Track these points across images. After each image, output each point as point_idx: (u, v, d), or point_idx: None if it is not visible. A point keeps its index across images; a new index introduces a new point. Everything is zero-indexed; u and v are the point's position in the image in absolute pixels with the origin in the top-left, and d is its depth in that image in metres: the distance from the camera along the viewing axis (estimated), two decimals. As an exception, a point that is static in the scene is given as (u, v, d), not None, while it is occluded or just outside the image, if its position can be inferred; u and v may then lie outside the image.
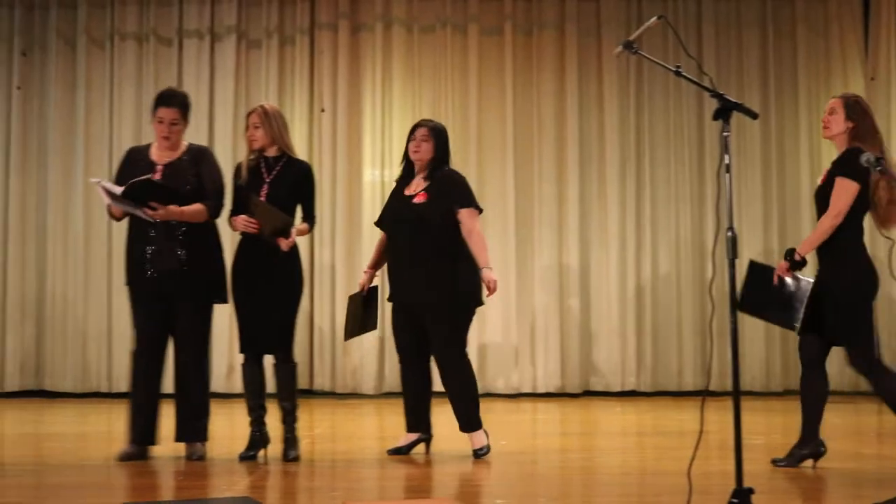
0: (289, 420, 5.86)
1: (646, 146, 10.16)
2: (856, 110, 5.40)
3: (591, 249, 10.06)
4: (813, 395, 5.45)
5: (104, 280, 9.97)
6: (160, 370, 5.89)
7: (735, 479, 3.85)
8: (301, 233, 5.85)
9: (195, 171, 5.83)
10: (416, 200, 5.88)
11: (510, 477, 5.37)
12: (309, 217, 5.95)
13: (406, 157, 6.01)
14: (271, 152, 5.90)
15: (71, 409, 8.93)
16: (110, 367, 10.01)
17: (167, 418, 5.89)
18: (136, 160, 5.91)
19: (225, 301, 5.98)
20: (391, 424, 8.20)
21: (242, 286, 5.85)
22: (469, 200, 5.96)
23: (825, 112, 5.51)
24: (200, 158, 5.91)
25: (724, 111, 4.03)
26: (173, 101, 5.88)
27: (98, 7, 10.36)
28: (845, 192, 5.26)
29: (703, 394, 4.55)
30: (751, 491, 3.84)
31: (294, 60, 10.32)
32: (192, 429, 5.82)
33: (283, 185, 5.83)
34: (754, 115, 4.20)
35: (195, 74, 10.13)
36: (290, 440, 5.84)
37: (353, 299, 6.16)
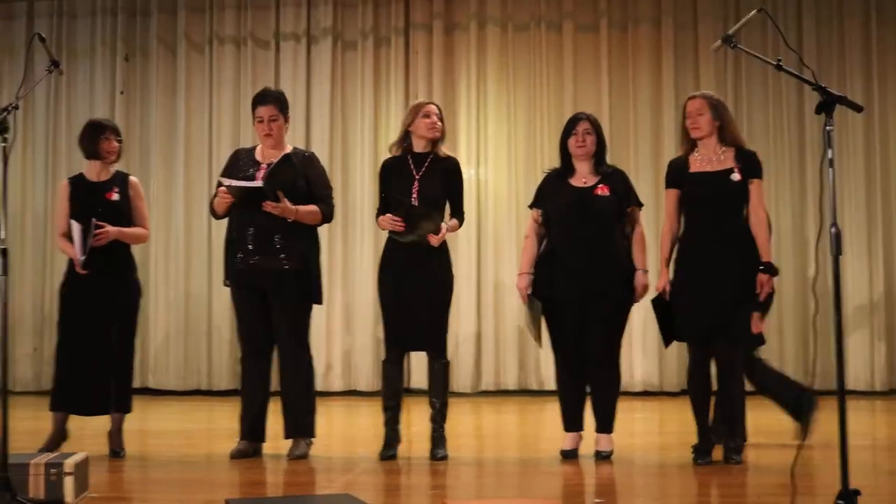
0: (438, 418, 5.82)
1: (739, 131, 9.97)
2: None
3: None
4: None
5: (205, 279, 10.15)
6: (267, 368, 5.95)
7: (840, 481, 3.76)
8: (451, 229, 5.84)
9: (302, 175, 5.86)
10: (598, 193, 5.77)
11: (609, 476, 5.33)
12: (458, 213, 5.91)
13: (563, 150, 5.93)
14: (421, 148, 5.88)
15: (173, 407, 9.11)
16: (210, 366, 10.19)
17: (277, 415, 5.95)
18: (241, 160, 5.97)
19: (320, 302, 6.00)
20: (489, 423, 8.21)
21: (392, 283, 5.80)
22: (638, 199, 5.93)
23: None
24: (308, 163, 5.94)
25: (827, 105, 3.94)
26: (269, 99, 5.95)
27: (197, 12, 10.55)
28: None
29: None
30: (857, 493, 3.73)
31: (389, 61, 10.38)
32: (298, 426, 5.85)
33: (434, 180, 5.81)
34: (859, 109, 4.10)
35: (292, 77, 10.25)
36: (438, 438, 5.79)
37: (533, 303, 5.90)
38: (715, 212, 5.53)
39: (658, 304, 5.65)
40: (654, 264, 5.93)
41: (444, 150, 5.94)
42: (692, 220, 5.62)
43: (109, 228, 5.85)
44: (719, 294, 5.45)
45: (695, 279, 5.51)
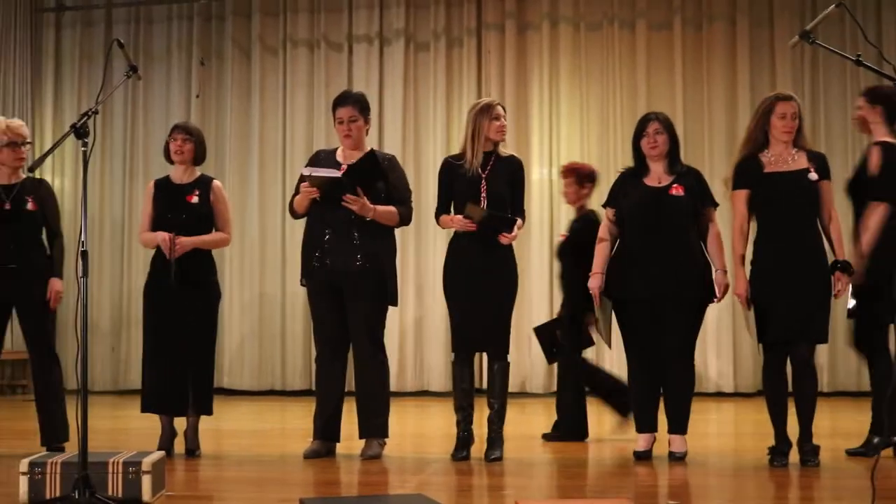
0: (496, 419, 5.80)
1: (822, 137, 9.84)
2: None
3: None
4: None
5: (279, 280, 10.25)
6: (343, 368, 5.98)
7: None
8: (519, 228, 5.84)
9: (383, 176, 5.87)
10: (673, 192, 5.73)
11: (683, 478, 5.27)
12: (520, 211, 5.88)
13: (636, 150, 5.90)
14: (487, 147, 5.85)
15: (247, 407, 9.20)
16: (284, 366, 10.28)
17: (350, 415, 5.98)
18: (321, 160, 6.00)
19: (395, 303, 6.01)
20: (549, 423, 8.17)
21: (458, 285, 5.80)
22: (713, 199, 5.88)
23: None
24: (388, 166, 5.92)
25: (909, 100, 3.86)
26: (349, 100, 5.98)
27: (271, 16, 10.66)
28: None
29: (888, 394, 4.38)
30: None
31: (461, 62, 10.40)
32: (372, 426, 5.86)
33: (500, 179, 5.80)
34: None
35: (365, 78, 10.31)
36: (495, 440, 5.77)
37: (605, 303, 5.86)
38: (794, 211, 5.46)
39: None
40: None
41: (505, 148, 5.93)
42: (768, 219, 5.54)
43: (184, 240, 5.91)
44: (801, 295, 5.38)
45: (776, 280, 5.44)
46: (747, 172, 5.58)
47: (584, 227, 6.48)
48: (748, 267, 5.61)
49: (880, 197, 5.77)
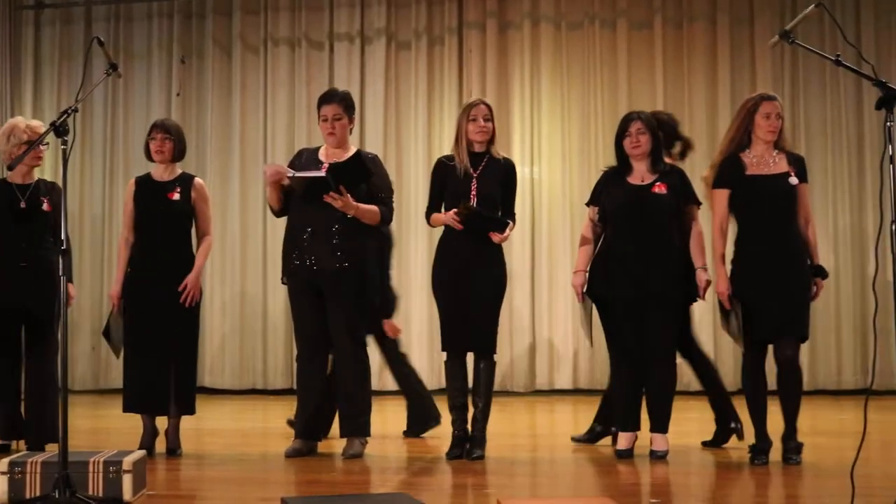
0: (480, 418, 5.79)
1: (801, 137, 9.89)
2: None
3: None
4: None
5: (260, 279, 10.22)
6: (323, 367, 5.96)
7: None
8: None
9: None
10: (655, 191, 5.75)
11: (665, 476, 5.29)
12: (509, 214, 5.88)
13: (619, 149, 5.90)
14: (478, 148, 5.86)
15: (229, 406, 9.18)
16: (266, 365, 10.26)
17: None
18: (304, 159, 5.99)
19: (377, 300, 6.01)
20: (543, 422, 8.19)
21: (446, 283, 5.81)
22: (696, 197, 5.89)
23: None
24: (370, 165, 5.90)
25: (888, 100, 3.87)
26: (334, 98, 5.97)
27: (252, 14, 10.63)
28: None
29: (866, 393, 4.41)
30: (919, 493, 3.68)
31: (443, 60, 10.39)
32: (354, 425, 5.86)
33: (491, 180, 5.80)
34: (921, 103, 4.03)
35: (346, 77, 10.28)
36: (478, 439, 5.77)
37: (587, 301, 5.86)
38: (774, 214, 5.50)
39: None
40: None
41: (499, 150, 5.92)
42: (750, 221, 5.58)
43: (190, 282, 5.92)
44: (784, 294, 5.42)
45: (759, 280, 5.47)
46: (729, 172, 5.61)
47: None
48: (729, 266, 5.64)
49: None
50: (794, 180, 5.53)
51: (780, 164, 5.56)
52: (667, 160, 6.08)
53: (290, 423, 6.56)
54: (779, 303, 5.41)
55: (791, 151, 5.68)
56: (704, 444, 6.24)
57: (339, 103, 5.94)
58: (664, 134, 6.18)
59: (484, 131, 5.82)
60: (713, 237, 5.67)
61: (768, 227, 5.50)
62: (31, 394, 5.97)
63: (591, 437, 6.36)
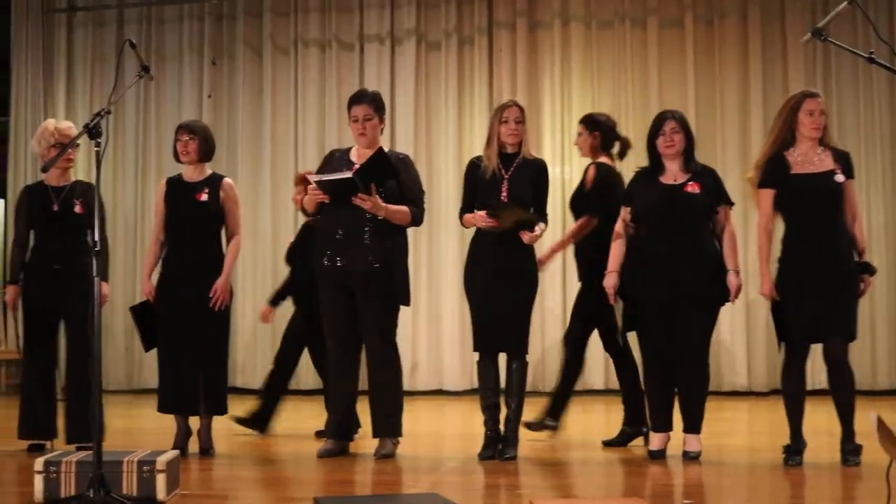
0: (512, 419, 5.79)
1: (834, 134, 9.72)
2: None
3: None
4: None
5: (291, 280, 10.22)
6: (355, 367, 5.96)
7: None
8: (542, 230, 5.81)
9: (395, 175, 5.86)
10: (688, 190, 5.71)
11: (697, 477, 5.26)
12: (541, 215, 5.85)
13: (651, 148, 5.88)
14: (510, 149, 5.85)
15: (262, 406, 9.17)
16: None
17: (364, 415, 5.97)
18: (335, 160, 5.99)
19: (407, 303, 6.00)
20: (575, 422, 8.16)
21: (478, 284, 5.80)
22: (728, 197, 5.86)
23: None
24: (401, 165, 5.91)
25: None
26: (364, 98, 5.97)
27: (282, 15, 10.66)
28: None
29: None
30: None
31: (473, 60, 10.39)
32: (386, 425, 5.86)
33: (523, 181, 5.78)
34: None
35: (376, 78, 10.30)
36: (510, 439, 5.76)
37: (620, 302, 5.85)
38: (821, 213, 5.45)
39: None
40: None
41: (531, 150, 5.91)
42: (795, 220, 5.52)
43: (220, 286, 5.93)
44: (830, 293, 5.37)
45: (804, 279, 5.41)
46: (774, 172, 5.55)
47: (312, 233, 6.38)
48: (775, 266, 5.58)
49: (591, 212, 6.31)
50: (839, 177, 5.47)
51: (825, 162, 5.51)
52: (605, 160, 6.29)
53: (318, 434, 6.63)
54: (824, 302, 5.36)
55: (836, 148, 5.61)
56: (605, 443, 6.36)
57: (369, 103, 5.94)
58: (602, 135, 6.42)
59: (515, 133, 5.81)
60: (759, 237, 5.63)
61: (814, 225, 5.45)
62: (70, 394, 6.01)
63: (622, 439, 6.34)
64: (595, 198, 6.30)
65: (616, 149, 6.51)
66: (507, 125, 5.81)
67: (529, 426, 6.36)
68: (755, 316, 9.72)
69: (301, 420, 8.17)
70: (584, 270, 6.50)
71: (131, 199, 10.72)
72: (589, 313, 6.37)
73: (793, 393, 5.52)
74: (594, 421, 8.33)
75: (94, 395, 4.38)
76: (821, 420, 5.90)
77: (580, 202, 6.47)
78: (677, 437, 5.77)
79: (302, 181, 6.97)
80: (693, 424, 5.73)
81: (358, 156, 5.94)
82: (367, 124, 5.90)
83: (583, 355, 6.62)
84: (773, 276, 5.52)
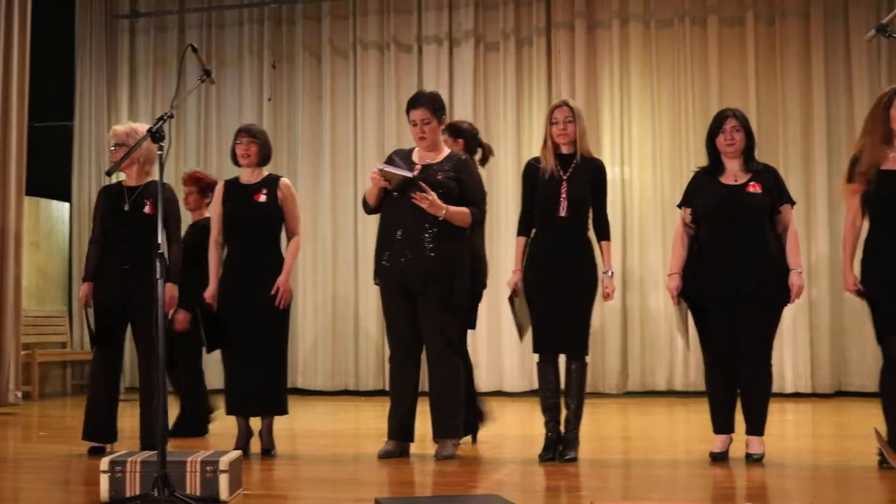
0: (572, 420, 5.77)
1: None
2: None
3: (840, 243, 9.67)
4: None
5: (351, 281, 10.30)
6: (416, 369, 5.96)
7: None
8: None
9: (455, 178, 5.89)
10: (749, 190, 5.65)
11: (761, 480, 5.21)
12: (601, 216, 5.82)
13: (711, 147, 5.83)
14: (567, 149, 5.83)
15: (321, 407, 9.25)
16: (357, 366, 10.33)
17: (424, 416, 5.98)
18: (397, 160, 6.00)
19: (463, 306, 5.99)
20: (636, 424, 8.12)
21: (538, 285, 5.77)
22: (790, 197, 5.80)
23: None
24: (462, 167, 5.93)
25: None
26: (421, 102, 5.97)
27: (341, 18, 10.73)
28: None
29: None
30: None
31: (531, 61, 10.38)
32: (446, 427, 5.86)
33: (581, 182, 5.76)
34: None
35: (435, 79, 10.32)
36: (570, 440, 5.73)
37: (682, 304, 5.78)
38: None
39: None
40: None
41: (589, 149, 5.87)
42: (880, 217, 5.39)
43: (282, 284, 5.97)
44: None
45: (887, 277, 5.31)
46: (862, 168, 5.45)
47: (199, 232, 6.76)
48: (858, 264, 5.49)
49: None
50: None
51: None
52: None
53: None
54: None
55: None
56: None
57: (426, 106, 5.93)
58: (466, 142, 6.46)
59: (565, 133, 5.78)
60: (844, 232, 5.56)
61: None
62: (143, 396, 6.07)
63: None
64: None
65: (479, 155, 6.61)
66: (557, 125, 5.79)
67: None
68: (818, 316, 9.61)
69: (361, 420, 8.22)
70: None
71: (193, 201, 10.83)
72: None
73: (888, 394, 5.35)
74: (656, 423, 8.28)
75: (160, 396, 4.42)
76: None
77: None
78: (739, 440, 5.71)
79: (191, 180, 7.27)
80: (756, 426, 5.67)
81: (419, 157, 5.95)
82: (425, 128, 5.91)
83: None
84: (856, 273, 5.43)
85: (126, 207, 6.10)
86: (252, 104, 10.85)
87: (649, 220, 9.99)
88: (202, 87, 9.32)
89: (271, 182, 6.14)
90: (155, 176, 6.24)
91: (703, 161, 5.89)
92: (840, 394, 9.51)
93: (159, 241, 4.51)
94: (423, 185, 5.71)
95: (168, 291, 5.92)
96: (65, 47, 10.95)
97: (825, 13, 9.94)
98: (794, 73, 9.94)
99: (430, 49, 10.57)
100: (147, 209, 6.09)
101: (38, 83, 9.26)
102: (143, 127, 6.25)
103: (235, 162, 6.16)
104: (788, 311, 6.10)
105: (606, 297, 5.76)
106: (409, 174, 5.72)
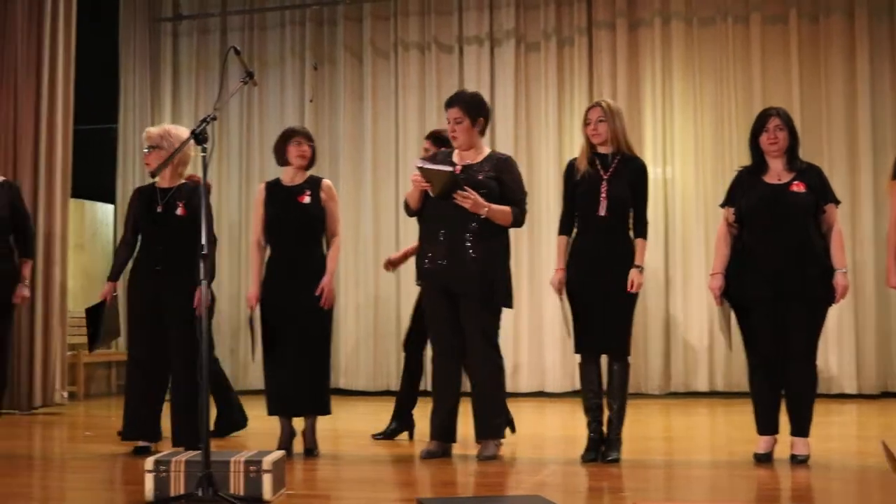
0: (615, 421, 5.75)
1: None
2: None
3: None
4: None
5: (393, 281, 10.30)
6: (458, 369, 5.97)
7: None
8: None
9: (496, 177, 5.89)
10: (793, 189, 5.61)
11: (806, 482, 5.16)
12: (641, 217, 5.77)
13: (754, 146, 5.79)
14: (605, 149, 5.81)
15: (363, 407, 9.28)
16: (399, 367, 10.31)
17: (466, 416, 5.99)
18: (438, 161, 6.01)
19: (510, 305, 5.99)
20: (678, 425, 8.08)
21: (579, 285, 5.75)
22: (835, 196, 5.76)
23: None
24: (503, 167, 5.93)
25: None
26: (454, 101, 5.98)
27: (382, 19, 10.75)
28: None
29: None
30: None
31: (573, 61, 10.35)
32: (489, 427, 5.86)
33: (621, 181, 5.74)
34: None
35: (476, 80, 10.31)
36: (613, 441, 5.72)
37: (725, 304, 5.74)
38: None
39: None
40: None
41: (628, 147, 5.84)
42: None
43: (326, 286, 6.00)
44: None
45: None
46: None
47: None
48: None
49: None
50: None
51: None
52: None
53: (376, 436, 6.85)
54: None
55: None
56: (374, 436, 6.77)
57: (459, 105, 5.94)
58: (442, 146, 6.47)
59: (596, 133, 5.77)
60: (888, 230, 5.53)
61: None
62: (174, 397, 6.10)
63: (388, 433, 6.78)
64: None
65: None
66: (589, 126, 5.80)
67: (387, 434, 6.80)
68: (864, 316, 9.51)
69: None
70: None
71: (235, 202, 10.91)
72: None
73: None
74: (698, 423, 8.23)
75: (202, 396, 4.45)
76: None
77: None
78: (784, 441, 5.67)
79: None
80: (801, 428, 5.62)
81: (460, 158, 5.96)
82: (457, 127, 5.92)
83: (420, 353, 6.90)
84: None
85: (159, 209, 6.13)
86: (294, 105, 10.90)
87: (692, 220, 9.93)
88: (245, 89, 9.37)
89: (314, 183, 6.17)
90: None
91: (745, 160, 5.85)
92: (886, 395, 9.41)
93: (203, 242, 4.53)
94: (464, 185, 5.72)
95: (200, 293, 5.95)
96: (109, 50, 11.04)
97: (870, 11, 9.83)
98: (839, 71, 9.84)
99: (471, 49, 10.56)
100: (180, 210, 6.10)
101: (82, 86, 9.35)
102: (176, 129, 6.30)
103: (282, 162, 6.18)
104: (833, 312, 6.04)
105: (630, 288, 5.70)
106: (449, 168, 5.73)
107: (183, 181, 6.22)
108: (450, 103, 5.99)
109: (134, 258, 6.25)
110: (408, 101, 10.63)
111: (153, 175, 5.96)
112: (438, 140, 6.60)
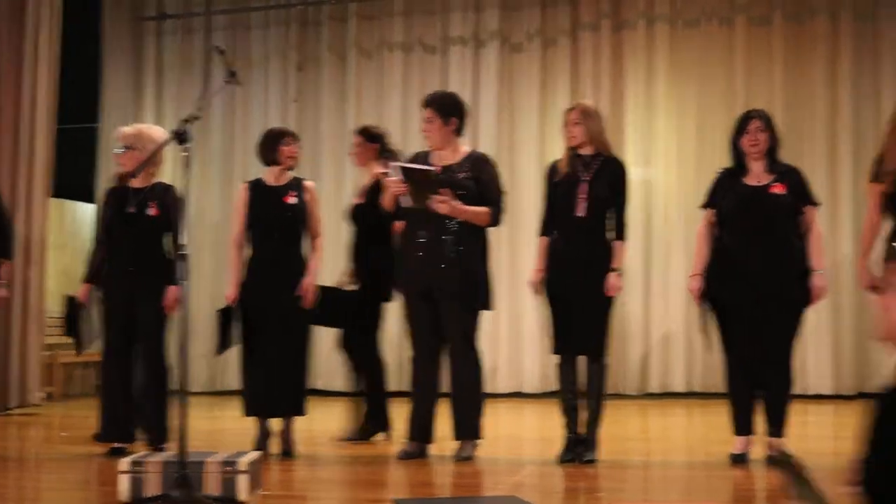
0: (592, 421, 5.75)
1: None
2: None
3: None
4: None
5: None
6: (437, 370, 5.96)
7: None
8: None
9: (473, 177, 5.90)
10: (773, 191, 5.63)
11: (780, 482, 5.17)
12: (620, 218, 5.79)
13: (735, 148, 5.80)
14: (587, 150, 5.82)
15: (341, 408, 9.23)
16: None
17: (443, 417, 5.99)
18: (417, 161, 6.02)
19: (490, 307, 6.01)
20: (655, 426, 8.10)
21: (556, 286, 5.77)
22: (815, 198, 5.78)
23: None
24: (480, 166, 5.95)
25: None
26: (427, 101, 6.01)
27: (366, 20, 10.75)
28: None
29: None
30: None
31: (556, 62, 10.35)
32: (466, 427, 5.85)
33: (602, 182, 5.75)
34: None
35: (459, 81, 10.32)
36: (589, 441, 5.72)
37: (705, 305, 5.75)
38: None
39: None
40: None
41: (605, 148, 5.86)
42: None
43: (307, 287, 6.03)
44: None
45: None
46: (889, 166, 5.42)
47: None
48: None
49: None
50: None
51: None
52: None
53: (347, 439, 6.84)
54: None
55: None
56: (346, 439, 6.77)
57: (430, 105, 5.97)
58: (381, 147, 6.75)
59: (572, 136, 5.80)
60: (863, 232, 5.56)
61: None
62: (143, 397, 6.07)
63: (362, 435, 6.76)
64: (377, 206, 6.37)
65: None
66: (566, 127, 5.82)
67: (358, 436, 6.81)
68: (842, 318, 9.55)
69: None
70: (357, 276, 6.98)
71: (217, 202, 10.88)
72: (365, 317, 6.74)
73: None
74: (675, 424, 8.26)
75: (180, 396, 4.44)
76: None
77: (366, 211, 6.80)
78: (760, 441, 5.68)
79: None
80: (777, 428, 5.64)
81: (438, 158, 5.96)
82: (428, 126, 5.94)
83: (375, 353, 6.93)
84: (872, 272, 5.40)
85: (131, 209, 6.10)
86: (277, 106, 10.89)
87: (672, 221, 9.95)
88: (227, 89, 9.34)
89: (297, 184, 6.17)
90: (160, 178, 6.28)
91: (728, 162, 5.87)
92: (863, 395, 9.44)
93: (182, 241, 4.51)
94: (441, 189, 5.71)
95: (171, 293, 5.95)
96: (91, 49, 11.02)
97: (854, 14, 9.86)
98: (822, 73, 9.87)
99: (456, 50, 10.57)
100: (152, 211, 6.07)
101: (64, 85, 9.31)
102: (150, 129, 6.29)
103: (269, 162, 6.16)
104: (811, 313, 6.05)
105: (608, 292, 5.72)
106: (431, 168, 5.74)
107: (156, 181, 6.20)
108: (423, 103, 6.02)
109: (107, 259, 6.20)
110: (391, 102, 10.63)
111: (132, 176, 5.93)
112: (372, 137, 6.82)
